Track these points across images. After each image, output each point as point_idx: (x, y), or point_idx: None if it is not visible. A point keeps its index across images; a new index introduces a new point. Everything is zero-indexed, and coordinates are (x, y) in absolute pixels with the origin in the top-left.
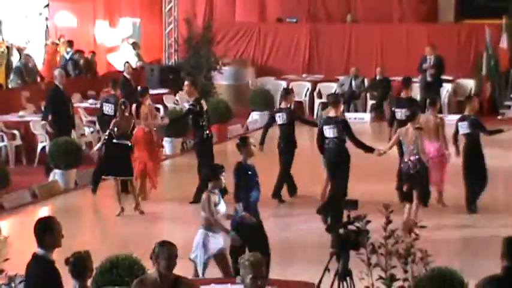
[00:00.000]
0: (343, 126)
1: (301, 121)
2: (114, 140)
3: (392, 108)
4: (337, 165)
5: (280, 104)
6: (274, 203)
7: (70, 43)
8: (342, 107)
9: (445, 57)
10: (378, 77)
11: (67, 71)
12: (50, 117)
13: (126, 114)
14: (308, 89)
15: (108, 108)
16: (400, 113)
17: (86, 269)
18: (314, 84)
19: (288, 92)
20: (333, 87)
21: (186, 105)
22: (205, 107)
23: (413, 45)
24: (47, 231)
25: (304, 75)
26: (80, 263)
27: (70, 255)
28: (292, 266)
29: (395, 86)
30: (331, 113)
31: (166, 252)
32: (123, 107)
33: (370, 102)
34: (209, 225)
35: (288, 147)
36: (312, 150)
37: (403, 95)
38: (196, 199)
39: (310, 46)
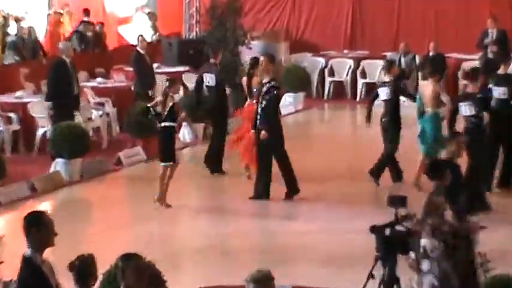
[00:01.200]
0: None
1: (407, 96)
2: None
3: (490, 86)
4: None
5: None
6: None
7: (86, 12)
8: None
9: (510, 32)
10: (431, 54)
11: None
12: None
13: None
14: (350, 67)
15: (209, 79)
16: (499, 92)
17: (90, 275)
18: (357, 61)
19: (391, 64)
20: (379, 65)
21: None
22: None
23: (472, 17)
24: (34, 228)
25: (345, 51)
26: (83, 268)
27: (74, 259)
28: (334, 270)
29: (452, 64)
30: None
31: (133, 266)
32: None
33: (422, 83)
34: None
35: (392, 125)
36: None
37: (501, 71)
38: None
39: (353, 17)
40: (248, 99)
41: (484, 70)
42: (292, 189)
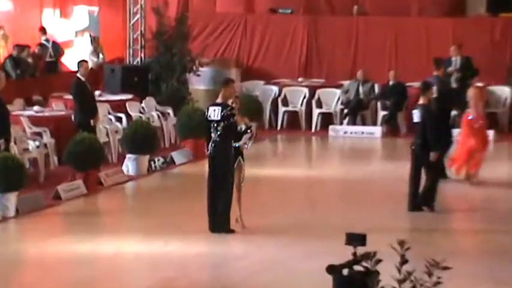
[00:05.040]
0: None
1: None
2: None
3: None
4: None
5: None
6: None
7: (43, 30)
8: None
9: (475, 59)
10: (391, 83)
11: (6, 72)
12: None
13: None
14: (305, 97)
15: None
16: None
17: None
18: (313, 90)
19: (427, 87)
20: (335, 94)
21: (154, 114)
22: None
23: (434, 44)
24: None
25: (300, 80)
26: None
27: None
28: None
29: (413, 94)
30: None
31: None
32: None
33: (381, 113)
34: None
35: (423, 148)
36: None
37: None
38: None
39: (308, 44)
40: None
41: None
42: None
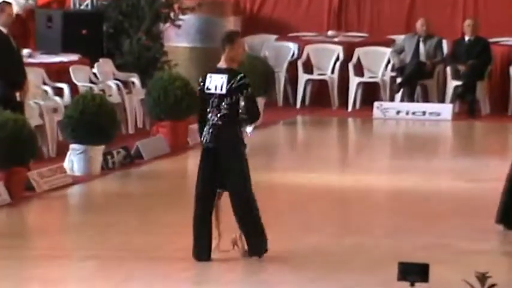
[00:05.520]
0: None
1: None
2: None
3: None
4: None
5: None
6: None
7: None
8: None
9: None
10: (467, 38)
11: None
12: None
13: None
14: (338, 59)
15: None
16: None
17: None
18: (350, 49)
19: None
20: (383, 55)
21: (112, 84)
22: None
23: None
24: None
25: (330, 33)
26: None
27: None
28: None
29: (501, 54)
30: None
31: None
32: None
33: (452, 84)
34: None
35: None
36: None
37: None
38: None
39: None
40: None
41: None
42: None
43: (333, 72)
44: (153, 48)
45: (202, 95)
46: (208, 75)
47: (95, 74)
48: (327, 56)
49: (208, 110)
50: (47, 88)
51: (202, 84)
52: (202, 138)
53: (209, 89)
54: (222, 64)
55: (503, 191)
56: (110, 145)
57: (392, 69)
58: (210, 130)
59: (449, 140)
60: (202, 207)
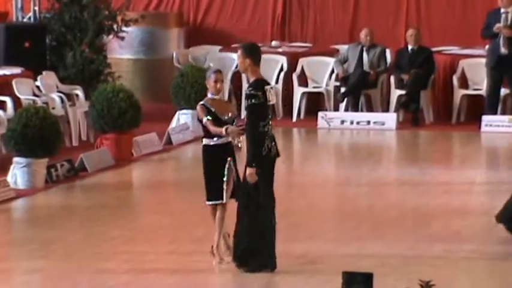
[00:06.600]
0: None
1: None
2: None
3: None
4: None
5: None
6: None
7: None
8: None
9: None
10: (410, 48)
11: None
12: None
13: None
14: (282, 69)
15: None
16: None
17: None
18: (293, 59)
19: None
20: (327, 65)
21: (55, 97)
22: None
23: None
24: None
25: (274, 44)
26: None
27: None
28: None
29: (444, 63)
30: None
31: None
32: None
33: (396, 93)
34: None
35: None
36: None
37: None
38: None
39: None
40: None
41: None
42: None
43: (277, 82)
44: (97, 61)
45: (265, 107)
46: (265, 87)
47: (38, 87)
48: (270, 67)
49: (265, 122)
50: None
51: (263, 96)
52: (268, 149)
53: (269, 101)
54: (261, 76)
55: None
56: (54, 158)
57: (336, 79)
58: (273, 143)
59: (393, 149)
60: (274, 216)
